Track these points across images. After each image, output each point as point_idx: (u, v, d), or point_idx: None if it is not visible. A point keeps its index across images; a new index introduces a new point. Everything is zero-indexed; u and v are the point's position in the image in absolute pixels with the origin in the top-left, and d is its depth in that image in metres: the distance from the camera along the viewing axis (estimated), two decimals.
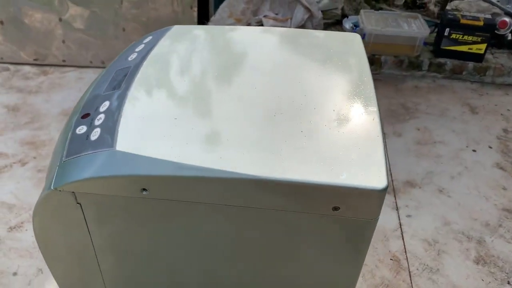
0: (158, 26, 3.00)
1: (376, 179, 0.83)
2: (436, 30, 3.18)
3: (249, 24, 3.19)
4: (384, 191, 0.82)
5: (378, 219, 0.88)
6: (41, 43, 2.98)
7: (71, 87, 2.88)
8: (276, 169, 0.83)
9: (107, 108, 0.95)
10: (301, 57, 1.14)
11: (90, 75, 2.99)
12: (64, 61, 3.04)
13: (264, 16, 3.17)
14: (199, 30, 1.23)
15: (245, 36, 1.24)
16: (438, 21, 3.30)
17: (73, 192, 0.87)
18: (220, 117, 0.94)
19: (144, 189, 0.85)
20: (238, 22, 3.13)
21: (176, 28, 1.21)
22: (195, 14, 2.89)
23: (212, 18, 3.11)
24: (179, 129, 0.90)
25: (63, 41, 2.95)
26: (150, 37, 1.18)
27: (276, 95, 1.00)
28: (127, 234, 0.95)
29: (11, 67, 3.03)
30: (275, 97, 1.00)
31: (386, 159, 0.87)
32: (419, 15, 3.21)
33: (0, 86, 2.85)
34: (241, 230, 0.92)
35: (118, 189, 0.86)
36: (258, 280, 1.04)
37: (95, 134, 0.90)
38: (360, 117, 0.96)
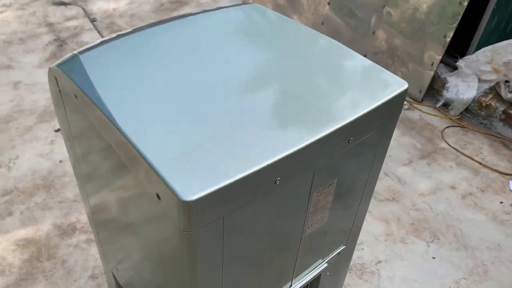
0: (401, 42, 2.88)
1: (191, 191, 0.74)
2: None
3: (507, 82, 2.70)
4: (185, 205, 0.73)
5: (193, 235, 0.78)
6: (309, 20, 3.27)
7: None
8: (136, 125, 0.84)
9: (117, 35, 1.11)
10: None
11: None
12: None
13: None
14: (267, 15, 1.20)
15: (298, 34, 1.16)
16: None
17: (55, 77, 1.09)
18: (169, 81, 0.98)
19: (75, 96, 0.99)
20: (496, 72, 2.68)
21: (251, 5, 1.22)
22: (447, 42, 2.64)
23: (467, 57, 2.76)
24: (129, 69, 0.99)
25: (322, 23, 3.17)
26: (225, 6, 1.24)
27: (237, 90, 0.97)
28: (81, 131, 1.12)
29: None
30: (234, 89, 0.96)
31: (227, 182, 0.76)
32: None
33: None
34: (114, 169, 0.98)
35: (67, 86, 1.02)
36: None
37: (91, 44, 1.08)
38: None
